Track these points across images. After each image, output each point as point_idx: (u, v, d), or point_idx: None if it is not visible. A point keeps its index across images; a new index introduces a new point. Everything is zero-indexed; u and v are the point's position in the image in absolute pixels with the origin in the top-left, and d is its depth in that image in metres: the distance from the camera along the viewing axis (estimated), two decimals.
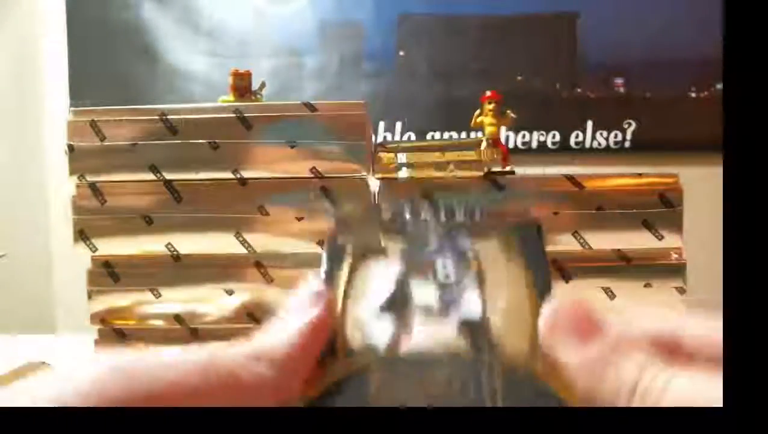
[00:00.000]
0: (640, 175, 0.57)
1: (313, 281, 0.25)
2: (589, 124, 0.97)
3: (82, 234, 0.57)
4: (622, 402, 0.19)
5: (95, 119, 0.57)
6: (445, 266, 0.26)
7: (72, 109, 0.59)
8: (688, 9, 0.98)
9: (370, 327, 0.25)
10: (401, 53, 1.12)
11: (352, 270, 0.26)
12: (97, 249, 0.57)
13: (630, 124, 0.95)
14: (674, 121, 0.95)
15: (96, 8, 1.00)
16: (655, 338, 0.22)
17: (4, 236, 0.91)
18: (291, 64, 1.07)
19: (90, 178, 0.57)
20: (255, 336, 0.23)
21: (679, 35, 0.98)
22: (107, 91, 0.99)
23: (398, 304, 0.25)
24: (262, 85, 0.67)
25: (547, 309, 0.23)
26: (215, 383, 0.20)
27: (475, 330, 0.24)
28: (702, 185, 0.68)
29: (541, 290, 0.25)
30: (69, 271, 0.91)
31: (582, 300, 0.23)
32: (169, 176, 0.57)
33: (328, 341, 0.24)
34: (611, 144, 0.95)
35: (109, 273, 0.58)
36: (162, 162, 0.57)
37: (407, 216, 0.28)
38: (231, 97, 0.66)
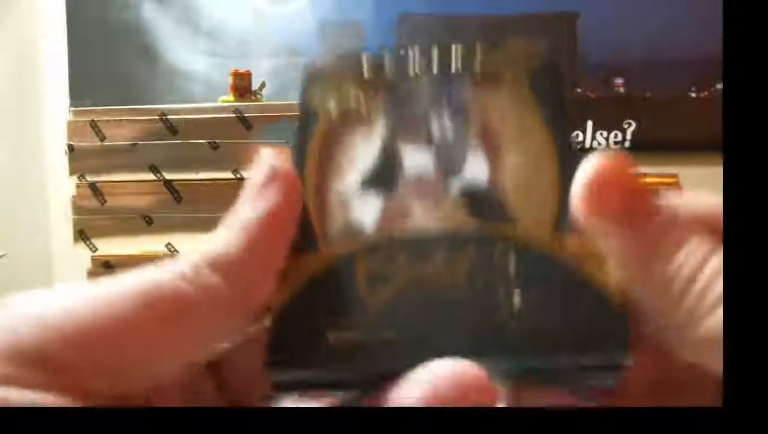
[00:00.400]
0: (640, 175, 0.57)
1: (267, 158, 0.20)
2: (589, 124, 0.97)
3: (82, 234, 0.57)
4: (673, 294, 0.16)
5: (95, 119, 0.57)
6: (441, 122, 0.22)
7: (72, 109, 0.59)
8: (688, 9, 0.98)
9: (353, 204, 0.21)
10: (401, 53, 1.12)
11: (327, 137, 0.22)
12: (97, 249, 0.57)
13: (630, 124, 0.96)
14: (674, 121, 0.95)
15: (96, 8, 1.00)
16: (710, 221, 0.18)
17: (4, 236, 0.91)
18: (291, 64, 1.07)
19: (90, 178, 0.57)
20: (203, 245, 0.19)
21: (680, 35, 0.98)
22: (107, 91, 0.99)
23: (386, 174, 0.21)
24: (262, 85, 0.67)
25: (585, 168, 0.18)
26: (161, 309, 0.17)
27: (481, 197, 0.20)
28: (702, 185, 0.68)
29: (561, 147, 0.20)
30: (69, 271, 0.91)
31: (628, 161, 0.18)
32: (169, 176, 0.57)
33: (296, 229, 0.20)
34: (611, 144, 0.95)
35: (108, 273, 0.58)
36: (162, 162, 0.57)
37: (392, 64, 0.23)
38: (231, 97, 0.66)
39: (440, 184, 0.20)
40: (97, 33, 1.00)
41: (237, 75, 0.64)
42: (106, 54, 1.01)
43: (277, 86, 1.05)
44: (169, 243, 0.56)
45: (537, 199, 0.19)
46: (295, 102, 0.58)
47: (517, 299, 0.18)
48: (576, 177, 0.18)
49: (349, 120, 0.22)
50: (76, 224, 0.57)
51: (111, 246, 0.57)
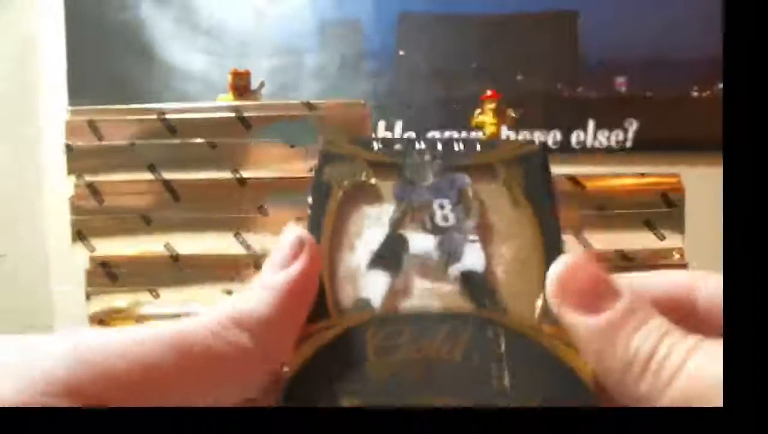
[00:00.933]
0: (641, 175, 0.57)
1: (293, 229, 0.22)
2: (591, 123, 0.97)
3: (80, 234, 0.57)
4: (633, 374, 0.18)
5: (93, 118, 0.57)
6: (443, 206, 0.24)
7: (70, 108, 0.59)
8: (689, 8, 0.97)
9: (362, 279, 0.22)
10: (401, 52, 1.11)
11: (340, 213, 0.23)
12: (95, 249, 0.57)
13: (631, 123, 0.95)
14: (676, 120, 0.95)
15: (95, 7, 1.00)
16: (669, 301, 0.21)
17: (1, 236, 0.91)
18: (290, 63, 1.06)
19: (88, 178, 0.57)
20: (231, 301, 0.20)
21: (681, 34, 0.97)
22: (106, 90, 0.99)
23: (393, 252, 0.23)
24: (261, 84, 0.67)
25: (554, 267, 0.21)
26: (189, 359, 0.18)
27: (477, 284, 0.22)
28: (704, 185, 0.67)
29: (549, 240, 0.23)
30: (67, 271, 0.91)
31: (592, 257, 0.21)
32: (167, 175, 0.57)
33: (315, 297, 0.21)
34: (613, 144, 0.95)
35: (107, 273, 0.57)
36: (160, 162, 0.56)
37: (400, 147, 0.25)
38: (230, 96, 0.66)
39: (441, 268, 0.22)
40: (96, 32, 1.00)
41: (236, 74, 0.64)
42: (105, 53, 1.00)
43: (277, 86, 1.04)
44: (167, 243, 0.55)
45: (525, 290, 0.22)
46: (294, 101, 0.57)
47: (506, 378, 0.20)
48: (548, 274, 0.21)
49: (360, 197, 0.24)
50: (74, 224, 0.56)
51: (109, 246, 0.57)
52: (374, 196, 0.24)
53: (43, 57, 0.99)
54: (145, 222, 0.57)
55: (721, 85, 0.94)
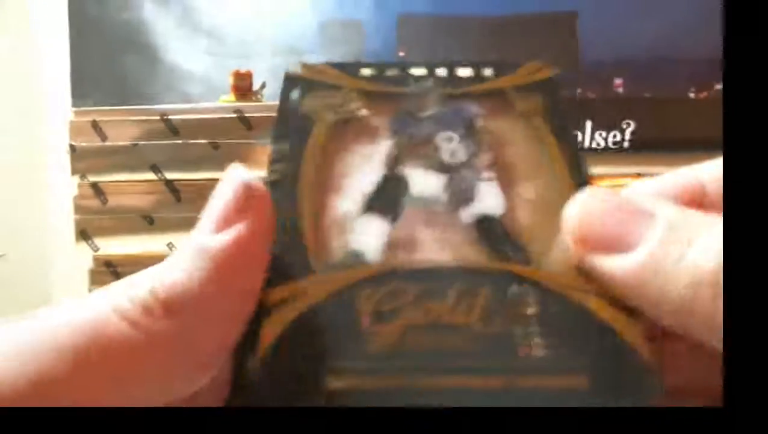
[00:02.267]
0: (639, 175, 0.57)
1: (238, 174, 0.17)
2: (588, 124, 0.97)
3: (83, 234, 0.57)
4: (703, 296, 0.15)
5: (96, 119, 0.58)
6: (450, 139, 0.20)
7: (74, 109, 0.59)
8: (688, 9, 0.98)
9: (353, 228, 0.18)
10: (401, 53, 1.12)
11: (323, 151, 0.19)
12: (98, 249, 0.58)
13: (629, 124, 0.96)
14: (674, 121, 0.95)
15: (97, 8, 1.01)
16: (689, 200, 0.18)
17: (5, 236, 0.91)
18: (291, 64, 1.07)
19: (91, 178, 0.57)
20: (152, 271, 0.16)
21: (679, 36, 0.98)
22: (109, 91, 1.00)
23: (390, 195, 0.19)
24: (263, 85, 0.67)
25: (570, 209, 0.17)
26: (92, 355, 0.13)
27: (495, 231, 0.18)
28: None
29: (578, 177, 0.19)
30: (70, 271, 0.91)
31: (608, 190, 0.17)
32: (170, 175, 0.57)
33: (266, 266, 0.16)
34: (610, 144, 0.95)
35: (110, 272, 0.58)
36: (163, 162, 0.57)
37: (395, 72, 0.21)
38: (232, 97, 0.67)
39: (451, 213, 0.18)
40: (99, 34, 1.01)
41: (238, 75, 0.64)
42: (108, 55, 1.01)
43: (278, 86, 1.05)
44: (170, 243, 0.56)
45: (555, 238, 0.18)
46: None
47: (536, 346, 0.17)
48: (564, 218, 0.17)
49: (349, 132, 0.20)
50: (77, 223, 0.57)
51: (113, 246, 0.57)
52: (365, 130, 0.20)
53: (46, 58, 1.00)
54: (148, 222, 0.57)
55: (718, 87, 0.95)
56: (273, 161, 0.19)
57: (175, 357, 0.14)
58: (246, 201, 0.16)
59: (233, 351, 0.16)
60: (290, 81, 0.22)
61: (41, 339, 0.13)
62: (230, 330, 0.15)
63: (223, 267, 0.15)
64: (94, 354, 0.13)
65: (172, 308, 0.14)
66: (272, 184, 0.19)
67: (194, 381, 0.15)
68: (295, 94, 0.21)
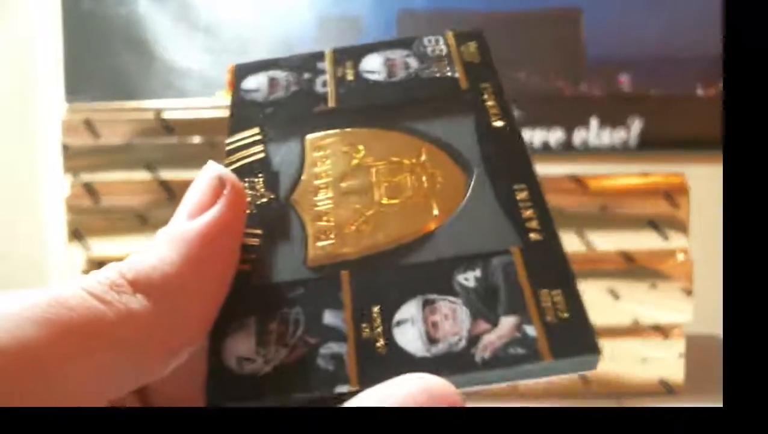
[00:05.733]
0: (645, 174, 0.56)
1: (212, 168, 0.18)
2: (593, 122, 0.96)
3: (76, 234, 0.56)
4: None
5: (90, 117, 0.56)
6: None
7: (67, 106, 0.58)
8: (694, 6, 0.96)
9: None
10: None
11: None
12: (91, 249, 0.56)
13: (635, 122, 0.94)
14: (680, 119, 0.94)
15: (92, 3, 1.00)
16: None
17: None
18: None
19: (84, 177, 0.56)
20: (128, 258, 0.16)
21: (686, 32, 0.97)
22: (103, 87, 0.99)
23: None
24: None
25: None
26: (68, 335, 0.14)
27: None
28: (708, 184, 0.66)
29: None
30: (63, 270, 0.90)
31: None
32: (164, 174, 0.56)
33: (236, 254, 0.17)
34: (616, 142, 0.94)
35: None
36: (157, 161, 0.56)
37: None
38: (228, 94, 0.66)
39: None
40: (93, 29, 1.00)
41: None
42: (102, 50, 1.00)
43: None
44: None
45: None
46: None
47: None
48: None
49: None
50: (70, 223, 0.56)
51: (105, 246, 0.56)
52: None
53: (39, 54, 0.99)
54: (142, 222, 0.56)
55: None
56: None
57: (145, 335, 0.15)
58: (218, 189, 0.17)
59: (207, 337, 0.16)
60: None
61: (18, 310, 0.13)
62: (203, 314, 0.16)
63: (195, 251, 0.16)
64: (67, 326, 0.14)
65: (141, 287, 0.15)
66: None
67: (166, 362, 0.15)
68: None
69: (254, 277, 0.18)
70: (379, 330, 0.17)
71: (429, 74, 0.23)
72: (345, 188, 0.20)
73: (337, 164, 0.21)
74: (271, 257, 0.18)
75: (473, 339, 0.16)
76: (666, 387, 0.55)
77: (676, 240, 0.55)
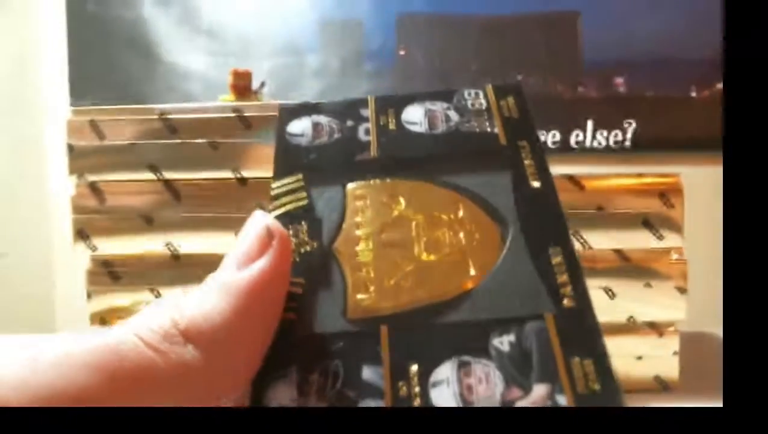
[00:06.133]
0: (640, 175, 0.57)
1: (261, 218, 0.18)
2: (589, 123, 0.97)
3: (81, 234, 0.57)
4: None
5: (95, 118, 0.57)
6: None
7: (72, 108, 0.59)
8: (690, 8, 0.97)
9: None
10: (401, 52, 1.11)
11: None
12: (96, 249, 0.57)
13: (630, 123, 0.95)
14: (675, 120, 0.95)
15: (97, 6, 1.00)
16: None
17: (3, 236, 0.91)
18: (291, 63, 1.07)
19: (90, 177, 0.57)
20: (176, 302, 0.16)
21: (681, 35, 0.97)
22: (107, 89, 0.99)
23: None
24: (262, 84, 0.67)
25: None
26: (119, 380, 0.14)
27: None
28: (703, 185, 0.67)
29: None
30: (68, 271, 0.91)
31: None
32: (168, 175, 0.57)
33: (283, 305, 0.18)
34: (611, 144, 0.95)
35: (108, 273, 0.58)
36: (161, 161, 0.56)
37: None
38: (231, 97, 0.66)
39: None
40: (98, 32, 1.00)
41: (237, 74, 0.64)
42: (107, 53, 1.00)
43: (277, 86, 1.04)
44: (169, 243, 0.55)
45: None
46: (295, 101, 0.58)
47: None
48: None
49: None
50: (75, 223, 0.57)
51: (110, 246, 0.57)
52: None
53: (44, 56, 0.99)
54: (147, 222, 0.57)
55: (720, 86, 0.94)
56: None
57: (193, 384, 0.15)
58: (267, 241, 0.17)
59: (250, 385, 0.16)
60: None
61: (77, 354, 0.14)
62: (249, 363, 0.16)
63: (244, 301, 0.16)
64: (119, 374, 0.14)
65: (192, 337, 0.15)
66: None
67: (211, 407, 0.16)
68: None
69: (297, 327, 0.18)
70: (416, 389, 0.17)
71: (469, 128, 0.23)
72: (385, 240, 0.20)
73: (377, 214, 0.21)
74: (312, 307, 0.18)
75: (506, 405, 0.16)
76: (661, 384, 0.55)
77: (670, 240, 0.56)
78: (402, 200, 0.21)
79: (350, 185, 0.22)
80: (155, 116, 0.57)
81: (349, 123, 0.24)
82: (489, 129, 0.23)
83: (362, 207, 0.21)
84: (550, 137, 0.98)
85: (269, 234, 0.18)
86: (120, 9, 1.00)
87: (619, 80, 0.98)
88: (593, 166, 0.92)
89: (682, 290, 0.56)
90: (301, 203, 0.21)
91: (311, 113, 0.24)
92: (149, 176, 0.57)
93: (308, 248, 0.20)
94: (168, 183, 0.57)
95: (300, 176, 0.22)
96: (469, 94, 0.24)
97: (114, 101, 0.77)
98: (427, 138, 0.23)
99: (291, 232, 0.20)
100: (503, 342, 0.17)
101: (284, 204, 0.21)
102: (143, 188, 0.57)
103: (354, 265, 0.19)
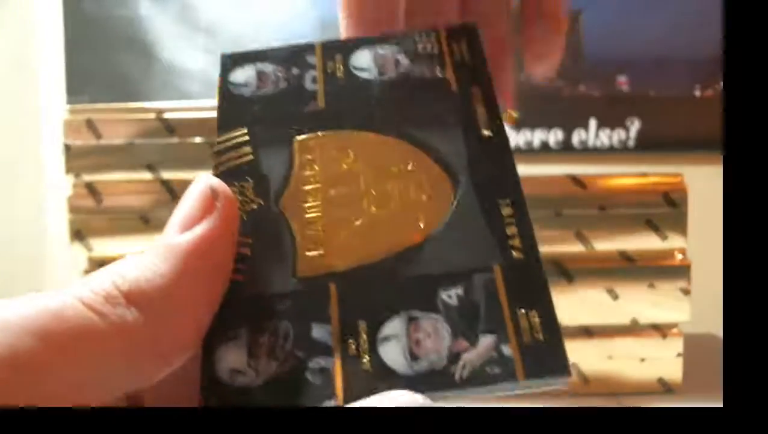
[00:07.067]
0: (644, 174, 0.56)
1: (204, 179, 0.18)
2: (592, 122, 0.96)
3: (78, 234, 0.56)
4: None
5: (91, 117, 0.57)
6: None
7: (68, 107, 0.59)
8: (693, 6, 0.97)
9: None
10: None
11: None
12: (93, 249, 0.57)
13: (633, 122, 0.95)
14: (679, 120, 0.95)
15: (94, 4, 1.00)
16: None
17: None
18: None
19: (86, 177, 0.56)
20: (117, 267, 0.16)
21: (684, 33, 0.97)
22: (105, 88, 0.99)
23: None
24: None
25: None
26: (62, 345, 0.14)
27: None
28: (707, 185, 0.67)
29: None
30: (65, 271, 0.90)
31: None
32: (166, 175, 0.56)
33: (229, 268, 0.17)
34: (615, 143, 0.94)
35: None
36: (159, 161, 0.56)
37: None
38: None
39: None
40: (95, 30, 1.00)
41: None
42: (104, 51, 1.00)
43: None
44: None
45: None
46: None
47: None
48: None
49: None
50: (72, 223, 0.56)
51: (107, 246, 0.56)
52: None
53: (41, 54, 0.99)
54: (144, 222, 0.56)
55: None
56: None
57: (137, 346, 0.15)
58: (211, 201, 0.17)
59: (200, 348, 0.17)
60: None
61: (15, 320, 0.14)
62: (195, 325, 0.16)
63: (188, 264, 0.16)
64: (60, 339, 0.14)
65: (134, 299, 0.15)
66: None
67: (158, 369, 0.16)
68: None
69: (246, 288, 0.18)
70: (365, 346, 0.17)
71: (419, 74, 0.22)
72: (334, 195, 0.20)
73: (326, 168, 0.20)
74: (261, 267, 0.18)
75: (453, 357, 0.17)
76: (664, 386, 0.55)
77: (674, 240, 0.55)
78: (351, 153, 0.21)
79: (297, 138, 0.21)
80: (152, 115, 0.56)
81: (295, 71, 0.23)
82: (440, 75, 0.22)
83: (310, 161, 0.21)
84: (553, 136, 0.97)
85: (213, 194, 0.17)
86: (117, 7, 1.00)
87: (623, 79, 0.97)
88: (596, 165, 0.91)
89: (685, 292, 0.55)
90: (246, 159, 0.21)
91: (255, 61, 0.23)
92: (146, 175, 0.57)
93: (255, 206, 0.20)
94: (165, 183, 0.56)
95: (245, 130, 0.21)
96: (420, 37, 0.23)
97: (111, 100, 0.77)
98: (375, 85, 0.22)
99: (236, 190, 0.20)
100: (451, 295, 0.17)
101: (228, 160, 0.21)
102: (140, 188, 0.57)
103: (303, 222, 0.19)
